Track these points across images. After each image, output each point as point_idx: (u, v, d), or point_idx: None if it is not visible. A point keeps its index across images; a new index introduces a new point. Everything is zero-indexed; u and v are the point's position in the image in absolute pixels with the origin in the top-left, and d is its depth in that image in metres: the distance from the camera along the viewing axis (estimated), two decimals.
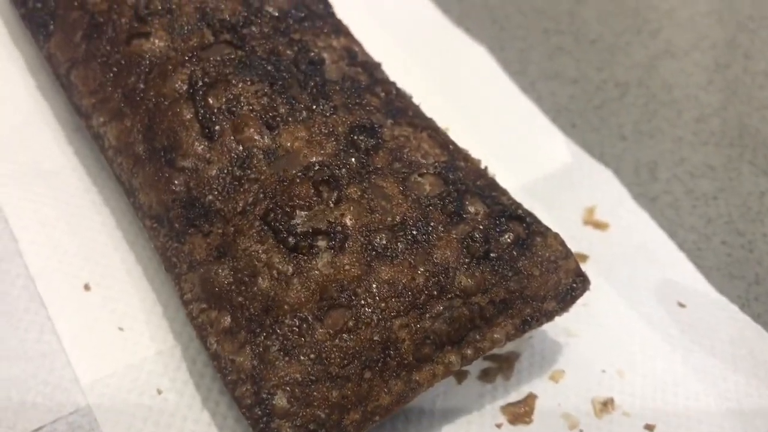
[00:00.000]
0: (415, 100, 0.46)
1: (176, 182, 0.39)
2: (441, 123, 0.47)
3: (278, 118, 0.40)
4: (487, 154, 0.50)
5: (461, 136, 0.48)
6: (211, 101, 0.41)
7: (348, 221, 0.37)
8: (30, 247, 0.43)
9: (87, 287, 0.43)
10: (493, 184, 0.42)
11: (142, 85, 0.42)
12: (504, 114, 0.55)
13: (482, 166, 0.44)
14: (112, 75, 0.43)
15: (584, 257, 0.49)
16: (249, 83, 0.42)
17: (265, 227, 0.37)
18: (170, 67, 0.42)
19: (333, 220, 0.37)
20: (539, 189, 0.52)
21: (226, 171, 0.39)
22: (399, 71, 0.50)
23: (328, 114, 0.41)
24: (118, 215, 0.46)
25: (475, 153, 0.46)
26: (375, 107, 0.43)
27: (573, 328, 0.45)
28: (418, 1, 0.62)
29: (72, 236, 0.44)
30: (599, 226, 0.51)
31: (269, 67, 0.42)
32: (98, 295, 0.42)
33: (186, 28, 0.44)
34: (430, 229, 0.38)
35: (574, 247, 0.44)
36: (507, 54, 0.60)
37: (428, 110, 0.47)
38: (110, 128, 0.42)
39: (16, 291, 0.42)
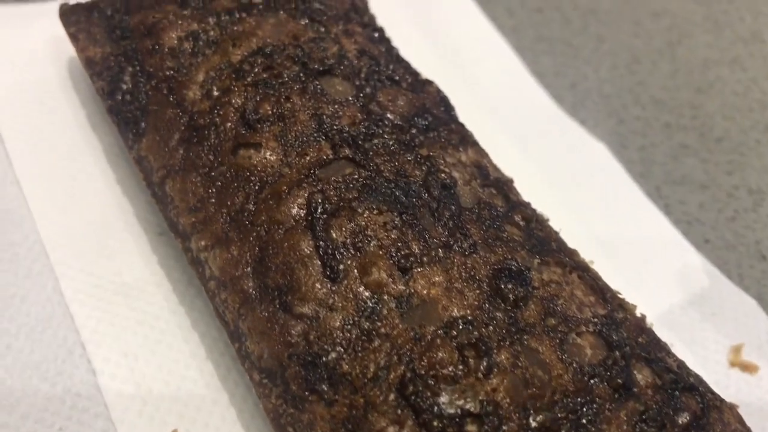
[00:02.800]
0: (540, 210, 0.41)
1: (293, 332, 0.33)
2: (574, 244, 0.41)
3: (411, 258, 0.35)
4: (617, 275, 0.44)
5: (591, 255, 0.42)
6: (333, 234, 0.35)
7: (501, 398, 0.31)
8: (111, 383, 0.38)
9: None
10: (655, 342, 0.36)
11: (251, 207, 0.37)
12: (633, 227, 0.49)
13: (637, 313, 0.38)
14: (215, 191, 0.38)
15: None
16: (376, 212, 0.36)
17: (403, 402, 0.31)
18: (285, 188, 0.37)
19: (484, 398, 0.31)
20: (677, 321, 0.46)
21: (352, 322, 0.33)
22: (517, 174, 0.45)
23: (467, 253, 0.35)
24: (209, 342, 0.40)
25: (604, 274, 0.40)
26: (517, 242, 0.37)
27: None
28: (530, 90, 0.56)
29: (158, 370, 0.39)
30: (747, 368, 0.44)
31: (398, 192, 0.37)
32: None
33: (301, 139, 0.38)
34: (596, 407, 0.32)
35: (720, 393, 0.38)
36: (629, 152, 0.54)
37: (557, 226, 0.42)
38: (213, 256, 0.36)
39: None
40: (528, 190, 0.44)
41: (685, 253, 0.49)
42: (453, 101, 0.45)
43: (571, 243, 0.41)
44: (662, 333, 0.41)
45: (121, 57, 0.43)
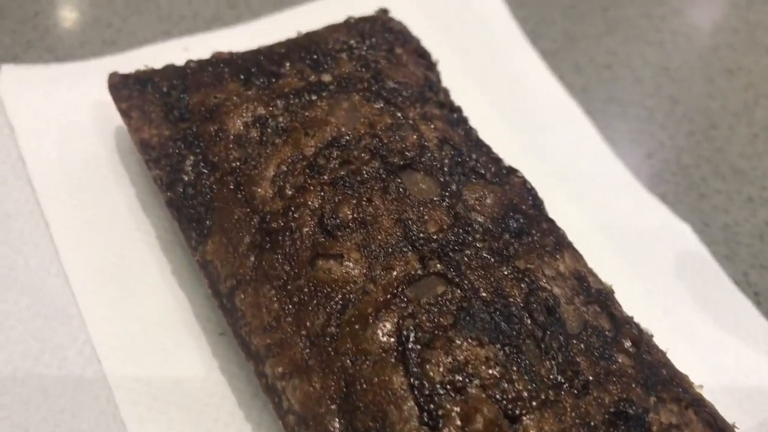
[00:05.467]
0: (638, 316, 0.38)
1: None
2: (676, 357, 0.38)
3: (519, 402, 0.31)
4: (715, 383, 0.41)
5: (693, 365, 0.39)
6: (430, 371, 0.31)
7: None
8: None
9: None
10: None
11: (333, 329, 0.33)
12: (726, 324, 0.45)
13: None
14: (292, 308, 0.34)
15: None
16: (475, 344, 0.32)
17: None
18: (371, 310, 0.33)
19: None
20: None
21: None
22: (602, 264, 0.41)
23: (579, 394, 0.32)
24: None
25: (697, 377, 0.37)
26: (630, 375, 0.33)
27: None
28: (607, 163, 0.52)
29: None
30: None
31: (498, 319, 0.33)
32: None
33: (386, 249, 0.35)
34: None
35: None
36: (712, 232, 0.51)
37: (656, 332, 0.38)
38: (291, 386, 0.33)
39: None
40: (618, 282, 0.40)
41: None
42: (525, 172, 0.42)
43: (673, 356, 0.38)
44: None
45: (181, 142, 0.40)
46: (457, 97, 0.47)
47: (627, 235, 0.48)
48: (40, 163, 0.45)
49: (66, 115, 0.47)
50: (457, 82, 0.50)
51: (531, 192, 0.41)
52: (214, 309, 0.41)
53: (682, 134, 0.56)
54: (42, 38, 0.53)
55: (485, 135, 0.44)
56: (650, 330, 0.38)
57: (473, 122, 0.45)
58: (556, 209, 0.42)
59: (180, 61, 0.46)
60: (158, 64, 0.46)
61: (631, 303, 0.39)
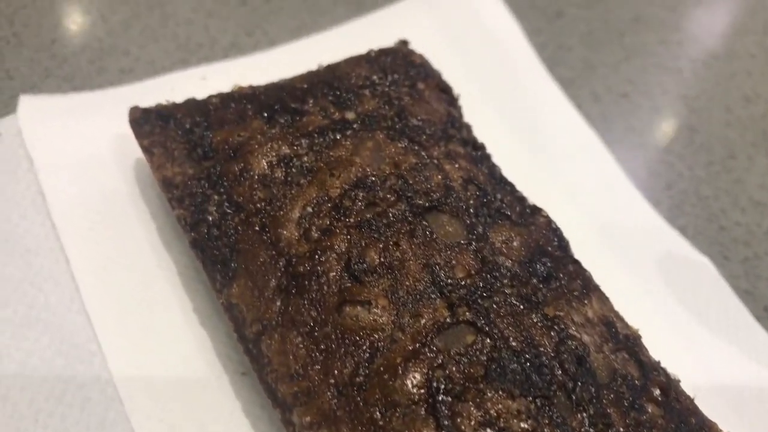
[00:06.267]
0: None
1: None
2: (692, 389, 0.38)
3: None
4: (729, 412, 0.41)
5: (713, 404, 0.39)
6: (462, 425, 0.31)
7: None
8: None
9: None
10: None
11: (362, 379, 0.33)
12: (747, 362, 0.45)
13: None
14: (320, 356, 0.34)
15: None
16: (506, 396, 0.32)
17: None
18: (399, 359, 0.33)
19: None
20: None
21: None
22: (624, 298, 0.41)
23: None
24: None
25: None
26: (660, 426, 0.33)
27: None
28: (627, 195, 0.52)
29: None
30: None
31: (529, 370, 0.33)
32: None
33: (414, 295, 0.35)
34: None
35: None
36: (732, 266, 0.50)
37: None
38: None
39: None
40: (641, 320, 0.40)
41: None
42: (545, 205, 0.42)
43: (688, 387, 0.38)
44: None
45: (205, 182, 0.39)
46: (475, 128, 0.47)
47: (650, 273, 0.48)
48: (60, 197, 0.44)
49: (85, 148, 0.47)
50: (475, 111, 0.50)
51: (556, 233, 0.40)
52: (236, 348, 0.41)
53: (700, 165, 0.56)
54: (60, 67, 0.52)
55: (506, 168, 0.44)
56: (677, 375, 0.38)
57: (493, 155, 0.45)
58: (577, 243, 0.42)
59: (199, 91, 0.45)
60: (176, 93, 0.45)
61: (654, 342, 0.39)
